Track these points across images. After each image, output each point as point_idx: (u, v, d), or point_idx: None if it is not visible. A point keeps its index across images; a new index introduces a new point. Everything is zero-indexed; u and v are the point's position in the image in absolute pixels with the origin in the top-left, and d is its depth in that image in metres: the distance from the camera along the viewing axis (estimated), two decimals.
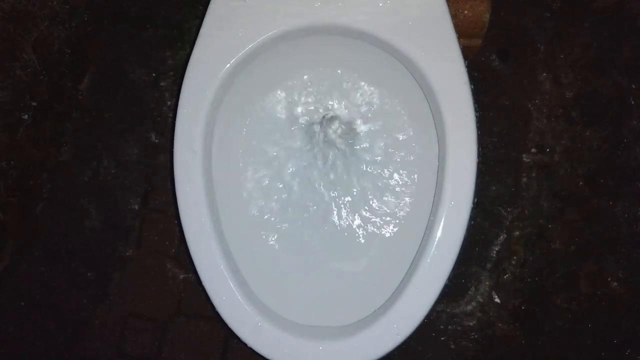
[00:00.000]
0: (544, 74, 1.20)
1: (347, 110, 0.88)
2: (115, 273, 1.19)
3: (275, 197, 0.88)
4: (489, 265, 1.15)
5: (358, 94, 0.88)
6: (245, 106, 0.86)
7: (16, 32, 1.23)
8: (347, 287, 0.84)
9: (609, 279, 1.13)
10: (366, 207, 0.87)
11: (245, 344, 0.72)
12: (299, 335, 0.71)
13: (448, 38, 0.76)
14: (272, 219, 0.87)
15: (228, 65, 0.78)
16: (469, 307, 1.14)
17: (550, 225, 1.15)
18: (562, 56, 1.20)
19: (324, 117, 0.92)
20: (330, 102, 0.89)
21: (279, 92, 0.88)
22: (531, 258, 1.15)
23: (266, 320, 0.72)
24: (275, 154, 0.89)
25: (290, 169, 0.89)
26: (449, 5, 0.78)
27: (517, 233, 1.16)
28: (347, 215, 0.88)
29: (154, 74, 1.24)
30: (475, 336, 1.13)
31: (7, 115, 1.22)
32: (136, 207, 1.21)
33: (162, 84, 1.24)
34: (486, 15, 1.02)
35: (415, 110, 0.82)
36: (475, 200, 0.73)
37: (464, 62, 0.76)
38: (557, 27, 1.21)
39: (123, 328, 1.18)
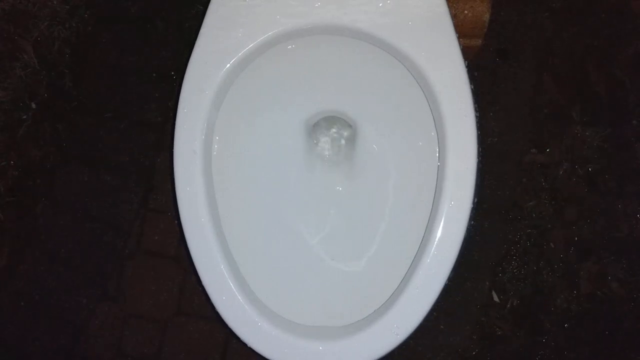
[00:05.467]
0: (544, 74, 1.20)
1: (347, 110, 0.88)
2: (114, 273, 1.19)
3: (276, 196, 0.88)
4: (489, 265, 1.15)
5: (358, 94, 0.87)
6: (245, 106, 0.85)
7: (16, 32, 1.23)
8: (347, 287, 0.84)
9: (609, 279, 1.13)
10: (366, 207, 0.87)
11: (245, 344, 0.72)
12: (299, 335, 0.71)
13: (448, 38, 0.76)
14: (273, 218, 0.87)
15: (228, 65, 0.78)
16: (469, 307, 1.14)
17: (550, 225, 1.15)
18: (562, 56, 1.20)
19: (324, 117, 0.92)
20: (330, 102, 0.89)
21: (279, 92, 0.88)
22: (531, 258, 1.15)
23: (266, 320, 0.72)
24: (276, 154, 0.88)
25: (291, 168, 0.89)
26: (449, 5, 0.78)
27: (517, 233, 1.16)
28: (348, 214, 0.88)
29: (154, 74, 1.24)
30: (475, 336, 1.13)
31: (7, 115, 1.23)
32: (136, 207, 1.21)
33: (162, 83, 1.24)
34: (486, 15, 1.02)
35: (415, 110, 0.82)
36: (475, 200, 0.73)
37: (464, 62, 0.76)
38: (557, 27, 1.21)
39: (123, 328, 1.18)
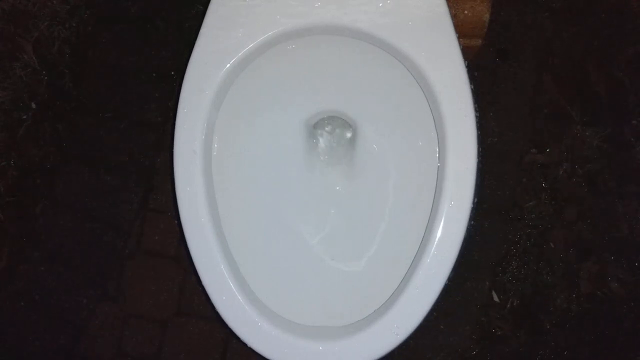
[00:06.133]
0: (544, 74, 1.20)
1: (347, 110, 0.88)
2: (115, 273, 1.19)
3: (276, 196, 0.88)
4: (489, 265, 1.15)
5: (358, 94, 0.88)
6: (245, 106, 0.85)
7: (16, 32, 1.23)
8: (347, 287, 0.84)
9: (609, 279, 1.13)
10: (366, 207, 0.87)
11: (245, 344, 0.72)
12: (299, 335, 0.71)
13: (448, 38, 0.76)
14: (273, 218, 0.87)
15: (228, 65, 0.78)
16: (469, 307, 1.14)
17: (550, 225, 1.15)
18: (562, 56, 1.20)
19: (324, 117, 0.92)
20: (330, 102, 0.89)
21: (279, 92, 0.88)
22: (531, 258, 1.15)
23: (266, 320, 0.72)
24: (276, 154, 0.88)
25: (291, 168, 0.89)
26: (449, 5, 0.78)
27: (517, 233, 1.16)
28: (348, 214, 0.88)
29: (154, 74, 1.24)
30: (475, 336, 1.13)
31: (7, 115, 1.23)
32: (136, 207, 1.21)
33: (162, 83, 1.24)
34: (486, 15, 1.02)
35: (415, 110, 0.82)
36: (475, 200, 0.73)
37: (464, 62, 0.76)
38: (557, 27, 1.21)
39: (123, 328, 1.18)
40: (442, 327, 1.13)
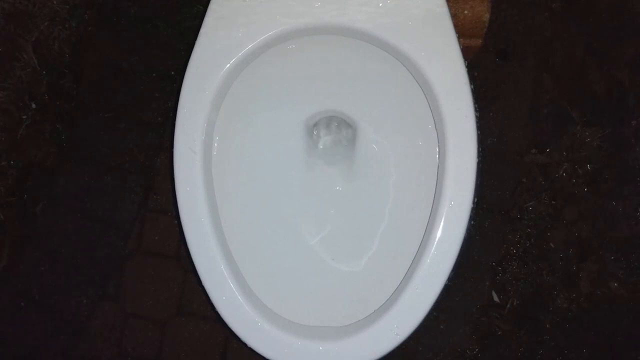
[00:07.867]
0: (544, 74, 1.20)
1: (347, 110, 0.88)
2: (115, 273, 1.19)
3: (276, 196, 0.88)
4: (489, 265, 1.15)
5: (358, 94, 0.88)
6: (245, 106, 0.86)
7: (16, 32, 1.23)
8: (347, 287, 0.84)
9: (609, 279, 1.13)
10: (366, 207, 0.87)
11: (245, 344, 0.72)
12: (299, 335, 0.71)
13: (448, 38, 0.76)
14: (272, 218, 0.87)
15: (228, 65, 0.78)
16: (469, 307, 1.14)
17: (550, 225, 1.15)
18: (562, 56, 1.20)
19: (324, 116, 0.92)
20: (330, 102, 0.89)
21: (279, 92, 0.88)
22: (531, 258, 1.15)
23: (266, 320, 0.72)
24: (276, 154, 0.88)
25: (291, 168, 0.89)
26: (449, 5, 0.78)
27: (517, 233, 1.16)
28: (348, 214, 0.88)
29: (154, 74, 1.25)
30: (475, 336, 1.13)
31: (7, 115, 1.23)
32: (136, 207, 1.21)
33: (162, 84, 1.24)
34: (486, 15, 1.02)
35: (415, 110, 0.82)
36: (475, 200, 0.73)
37: (464, 62, 0.76)
38: (557, 27, 1.21)
39: (123, 328, 1.18)
40: (442, 327, 1.13)
